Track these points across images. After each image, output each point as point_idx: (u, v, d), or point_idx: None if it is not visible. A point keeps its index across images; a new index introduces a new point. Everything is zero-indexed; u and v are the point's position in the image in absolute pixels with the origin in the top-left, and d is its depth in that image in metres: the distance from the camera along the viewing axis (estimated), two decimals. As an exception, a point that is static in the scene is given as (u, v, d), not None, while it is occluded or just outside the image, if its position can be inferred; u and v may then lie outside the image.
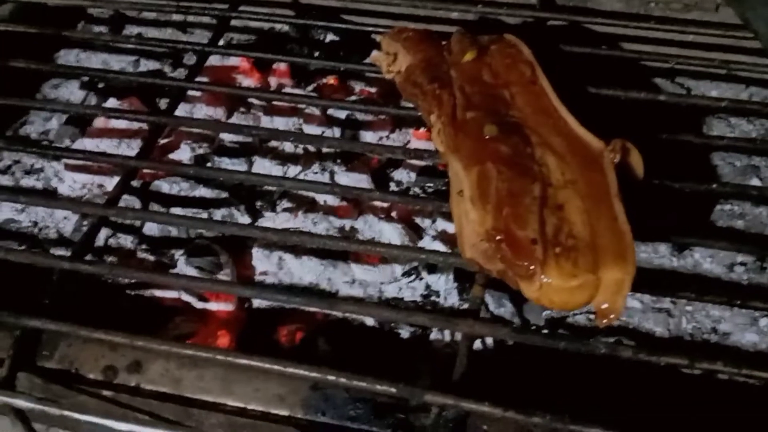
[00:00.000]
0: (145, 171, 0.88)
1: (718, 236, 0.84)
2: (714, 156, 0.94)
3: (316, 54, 1.08)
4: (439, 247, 0.84)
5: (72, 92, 1.10)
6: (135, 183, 0.88)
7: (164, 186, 0.89)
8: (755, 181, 0.91)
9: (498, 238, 0.64)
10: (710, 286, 0.82)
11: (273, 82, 1.06)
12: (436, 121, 0.77)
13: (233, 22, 1.03)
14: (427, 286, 0.82)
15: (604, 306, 0.63)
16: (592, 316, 0.80)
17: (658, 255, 0.86)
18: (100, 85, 1.07)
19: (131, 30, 1.19)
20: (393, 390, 0.61)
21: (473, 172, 0.69)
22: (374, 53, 0.89)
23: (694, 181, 0.75)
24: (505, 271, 0.64)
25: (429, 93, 0.79)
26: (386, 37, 0.88)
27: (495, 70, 0.80)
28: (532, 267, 0.62)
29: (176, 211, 0.87)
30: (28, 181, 0.98)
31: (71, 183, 0.96)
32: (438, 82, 0.79)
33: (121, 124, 0.97)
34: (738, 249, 0.78)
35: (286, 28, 1.13)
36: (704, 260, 0.84)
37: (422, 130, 0.96)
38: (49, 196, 0.91)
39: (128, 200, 0.87)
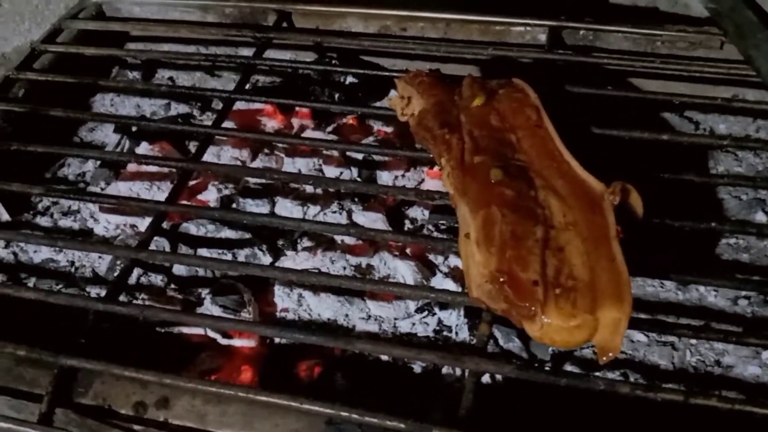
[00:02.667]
0: (174, 213, 0.93)
1: (720, 272, 0.87)
2: (720, 189, 0.97)
3: (337, 96, 1.13)
4: (450, 284, 0.88)
5: (107, 135, 1.16)
6: (165, 225, 0.93)
7: (192, 228, 0.94)
8: (760, 216, 0.93)
9: (501, 279, 0.67)
10: (715, 318, 0.85)
11: (296, 122, 1.11)
12: (445, 165, 0.81)
13: (258, 66, 1.08)
14: (440, 322, 0.86)
15: (603, 344, 0.67)
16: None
17: (665, 289, 0.89)
18: (134, 128, 1.13)
19: (163, 74, 1.26)
20: (402, 426, 0.64)
21: (479, 216, 0.73)
22: (391, 96, 0.93)
23: (694, 220, 0.78)
24: (509, 311, 0.68)
25: (439, 137, 0.83)
26: (402, 81, 0.92)
27: (502, 114, 0.84)
28: (533, 308, 0.65)
29: (203, 251, 0.92)
30: (65, 222, 1.04)
31: (105, 224, 1.02)
32: (448, 126, 0.84)
33: (152, 167, 1.03)
34: (737, 287, 0.81)
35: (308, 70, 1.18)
36: (708, 294, 0.87)
37: (436, 168, 1.00)
38: (84, 240, 0.97)
39: (158, 242, 0.92)
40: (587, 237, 0.70)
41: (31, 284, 0.96)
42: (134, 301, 0.91)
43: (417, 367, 0.83)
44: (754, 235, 0.88)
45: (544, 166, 0.78)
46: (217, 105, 1.16)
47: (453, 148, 0.81)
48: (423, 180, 1.01)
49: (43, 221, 1.05)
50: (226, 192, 1.01)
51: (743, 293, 0.86)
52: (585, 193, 0.75)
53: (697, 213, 0.89)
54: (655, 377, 0.82)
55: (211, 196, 1.01)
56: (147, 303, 0.90)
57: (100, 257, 0.98)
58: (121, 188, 1.03)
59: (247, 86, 1.09)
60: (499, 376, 0.80)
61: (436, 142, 0.83)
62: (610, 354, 0.66)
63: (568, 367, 0.83)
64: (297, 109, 1.11)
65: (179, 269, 0.91)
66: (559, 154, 0.79)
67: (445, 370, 0.82)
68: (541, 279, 0.67)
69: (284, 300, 0.88)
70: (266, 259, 0.92)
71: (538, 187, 0.76)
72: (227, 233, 0.93)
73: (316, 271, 0.90)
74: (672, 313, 0.87)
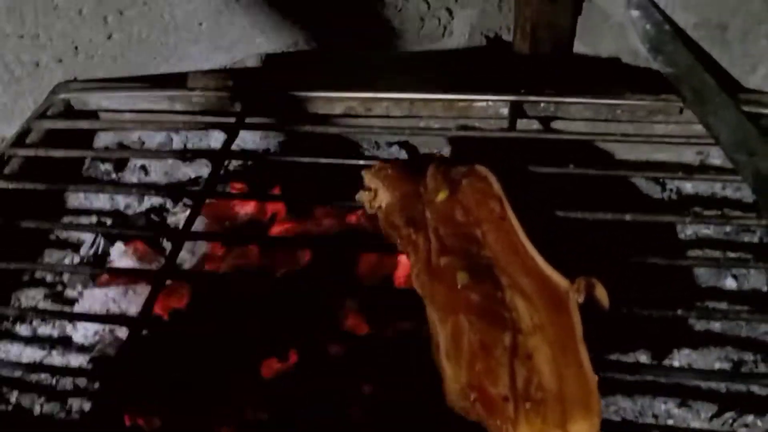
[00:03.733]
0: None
1: (690, 353, 0.88)
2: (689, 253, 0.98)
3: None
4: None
5: (81, 232, 1.17)
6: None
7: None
8: (730, 281, 0.94)
9: (473, 397, 0.68)
10: (690, 396, 0.85)
11: (270, 207, 1.12)
12: (413, 265, 0.82)
13: (227, 159, 1.10)
14: None
15: (575, 455, 0.68)
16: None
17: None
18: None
19: (135, 162, 1.26)
20: None
21: (447, 326, 0.73)
22: (360, 192, 0.93)
23: (662, 307, 0.79)
24: (482, 422, 0.69)
25: (405, 237, 0.84)
26: (368, 173, 0.93)
27: (467, 207, 0.85)
28: (505, 426, 0.66)
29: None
30: (44, 330, 1.04)
31: (84, 331, 1.02)
32: (413, 225, 0.84)
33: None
34: (705, 378, 0.83)
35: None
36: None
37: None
38: (64, 369, 0.98)
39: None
40: (554, 341, 0.71)
41: (13, 399, 0.97)
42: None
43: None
44: (720, 320, 0.89)
45: (509, 262, 0.79)
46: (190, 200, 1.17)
47: (419, 248, 0.82)
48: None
49: (23, 330, 1.05)
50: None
51: (716, 367, 0.87)
52: (550, 292, 0.76)
53: (666, 288, 0.91)
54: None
55: (186, 300, 1.01)
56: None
57: (80, 367, 0.99)
58: (97, 294, 1.04)
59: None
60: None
61: (402, 242, 0.84)
62: (581, 464, 0.68)
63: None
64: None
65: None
66: (523, 249, 0.80)
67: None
68: (511, 393, 0.67)
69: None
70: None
71: (504, 286, 0.76)
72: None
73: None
74: (649, 391, 0.87)
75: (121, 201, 1.20)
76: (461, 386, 0.69)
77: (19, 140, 1.13)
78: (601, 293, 0.76)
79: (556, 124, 1.08)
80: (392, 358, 0.86)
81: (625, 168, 1.07)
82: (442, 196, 0.86)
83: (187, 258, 1.04)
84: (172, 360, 0.92)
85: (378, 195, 0.92)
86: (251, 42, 1.31)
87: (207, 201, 1.03)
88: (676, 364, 0.88)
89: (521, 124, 1.04)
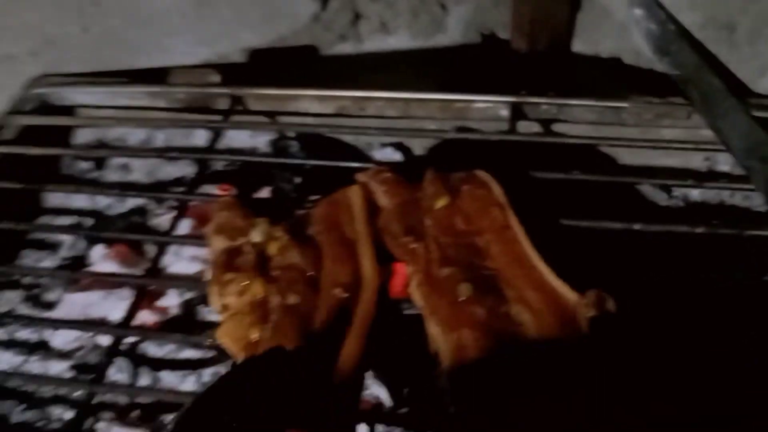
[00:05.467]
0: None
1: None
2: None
3: (297, 180, 1.10)
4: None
5: (61, 234, 1.11)
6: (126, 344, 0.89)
7: (151, 348, 0.90)
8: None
9: (477, 417, 0.64)
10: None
11: (256, 209, 1.07)
12: (413, 276, 0.78)
13: (212, 159, 1.05)
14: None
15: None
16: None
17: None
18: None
19: (115, 161, 1.21)
20: None
21: (450, 341, 0.70)
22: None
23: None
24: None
25: (403, 246, 0.79)
26: (364, 176, 0.89)
27: (467, 215, 0.81)
28: (511, 449, 0.63)
29: (165, 373, 0.88)
30: (22, 334, 0.99)
31: (65, 336, 0.97)
32: (413, 233, 0.80)
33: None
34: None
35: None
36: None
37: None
38: (39, 377, 0.92)
39: (119, 363, 0.88)
40: (563, 359, 0.68)
41: (-11, 405, 0.92)
42: (97, 424, 0.87)
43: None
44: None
45: (515, 274, 0.75)
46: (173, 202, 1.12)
47: (419, 259, 0.77)
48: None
49: (0, 333, 1.00)
50: (188, 296, 0.97)
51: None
52: (558, 306, 0.72)
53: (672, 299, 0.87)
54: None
55: (171, 301, 0.97)
56: (114, 425, 0.86)
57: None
58: (77, 299, 0.99)
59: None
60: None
61: (400, 251, 0.80)
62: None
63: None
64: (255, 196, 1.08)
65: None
66: (528, 260, 0.76)
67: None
68: (519, 414, 0.64)
69: (253, 420, 0.84)
70: (232, 376, 0.88)
71: (509, 300, 0.73)
72: (190, 352, 0.89)
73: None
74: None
75: (102, 201, 1.15)
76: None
77: (-6, 136, 1.08)
78: (612, 308, 0.72)
79: (558, 128, 1.04)
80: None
81: (632, 174, 1.02)
82: (441, 203, 0.82)
83: (171, 261, 0.99)
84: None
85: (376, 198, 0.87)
86: (236, 36, 1.26)
87: (192, 203, 0.99)
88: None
89: (521, 126, 0.99)
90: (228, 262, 0.78)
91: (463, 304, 0.72)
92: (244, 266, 0.77)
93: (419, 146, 1.16)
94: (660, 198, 1.04)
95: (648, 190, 1.05)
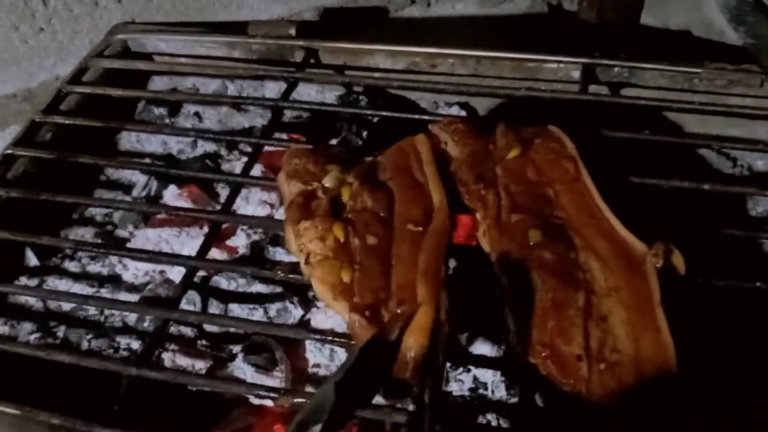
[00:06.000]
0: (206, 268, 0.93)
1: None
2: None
3: (365, 133, 1.12)
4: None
5: (133, 173, 1.15)
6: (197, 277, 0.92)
7: (222, 282, 0.93)
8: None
9: (543, 354, 0.66)
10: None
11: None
12: (481, 222, 0.79)
13: (286, 108, 1.07)
14: (475, 379, 0.84)
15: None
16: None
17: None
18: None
19: (189, 109, 1.24)
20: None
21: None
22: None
23: (738, 279, 0.75)
24: (551, 381, 0.66)
25: (474, 193, 0.81)
26: (437, 126, 0.90)
27: (539, 166, 0.82)
28: (577, 386, 0.64)
29: (234, 306, 0.91)
30: (94, 268, 1.03)
31: (134, 270, 1.01)
32: (483, 181, 0.81)
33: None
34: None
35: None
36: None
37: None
38: (116, 300, 0.96)
39: (190, 295, 0.91)
40: (630, 305, 0.69)
41: (61, 333, 0.96)
42: (165, 354, 0.90)
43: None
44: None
45: (584, 224, 0.76)
46: (246, 147, 1.14)
47: (489, 205, 0.79)
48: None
49: (72, 266, 1.04)
50: (255, 237, 1.00)
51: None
52: (626, 255, 0.73)
53: (739, 262, 0.87)
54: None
55: (240, 242, 1.00)
56: (180, 356, 0.89)
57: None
58: (149, 235, 1.02)
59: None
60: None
61: (471, 197, 0.81)
62: (657, 429, 0.65)
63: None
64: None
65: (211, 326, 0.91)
66: (598, 211, 0.77)
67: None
68: (584, 353, 0.65)
69: (316, 355, 0.87)
70: (297, 312, 0.91)
71: (578, 247, 0.74)
72: (258, 287, 0.92)
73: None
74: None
75: (174, 146, 1.18)
76: (532, 343, 0.67)
77: (76, 77, 1.12)
78: (678, 260, 0.73)
79: (627, 92, 1.04)
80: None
81: (701, 139, 1.02)
82: (513, 153, 0.83)
83: (241, 204, 1.02)
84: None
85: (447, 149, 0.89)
86: (310, -6, 1.30)
87: (265, 149, 1.02)
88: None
89: (592, 90, 1.00)
90: (303, 204, 0.80)
91: (532, 248, 0.73)
92: (319, 211, 0.79)
93: (484, 107, 1.17)
94: (724, 166, 1.04)
95: (713, 158, 1.05)
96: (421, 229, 0.75)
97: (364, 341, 0.64)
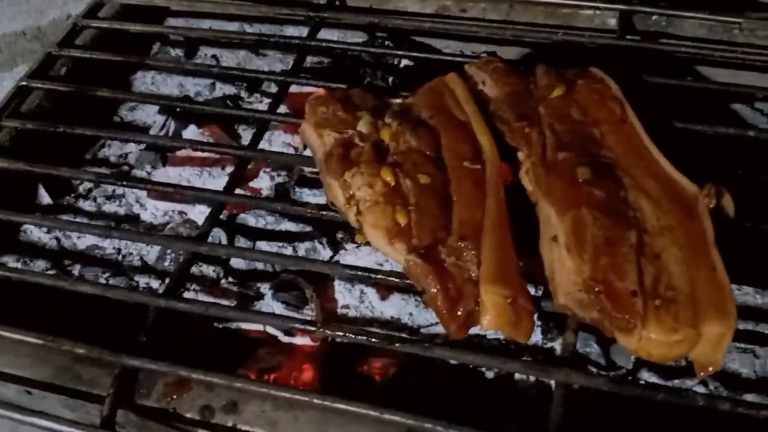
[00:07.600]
0: (233, 204, 0.89)
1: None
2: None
3: (390, 79, 1.09)
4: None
5: (149, 115, 1.11)
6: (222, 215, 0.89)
7: (250, 219, 0.90)
8: None
9: (597, 289, 0.63)
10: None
11: (348, 106, 1.06)
12: (524, 160, 0.77)
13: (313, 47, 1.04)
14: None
15: (703, 359, 0.63)
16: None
17: (742, 292, 0.85)
18: (178, 109, 1.09)
19: (205, 51, 1.21)
20: (492, 441, 0.61)
21: (568, 218, 0.69)
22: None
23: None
24: (601, 321, 0.64)
25: (517, 131, 0.78)
26: (473, 67, 0.88)
27: (583, 106, 0.80)
28: (632, 321, 0.62)
29: (261, 244, 0.88)
30: (110, 207, 1.00)
31: (153, 210, 0.98)
32: (526, 119, 0.79)
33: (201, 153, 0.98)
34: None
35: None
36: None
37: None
38: (141, 232, 0.93)
39: (216, 233, 0.88)
40: (684, 243, 0.67)
41: (76, 272, 0.93)
42: (186, 294, 0.87)
43: (489, 373, 0.79)
44: None
45: (632, 164, 0.74)
46: (266, 87, 1.11)
47: (533, 143, 0.76)
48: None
49: (86, 205, 1.00)
50: (279, 179, 0.97)
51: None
52: (677, 196, 0.71)
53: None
54: (736, 386, 0.78)
55: (264, 183, 0.97)
56: (202, 296, 0.87)
57: (148, 245, 0.94)
58: (170, 173, 0.99)
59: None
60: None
61: (513, 135, 0.79)
62: (710, 369, 0.63)
63: (645, 374, 0.80)
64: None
65: (237, 261, 0.88)
66: (647, 152, 0.75)
67: (518, 376, 0.78)
68: (639, 289, 0.63)
69: (345, 296, 0.85)
70: (326, 253, 0.88)
71: (627, 187, 0.72)
72: (286, 225, 0.89)
73: (379, 266, 0.86)
74: (751, 319, 0.83)
75: (192, 87, 1.14)
76: (583, 279, 0.64)
77: (92, 13, 1.08)
78: (728, 203, 0.71)
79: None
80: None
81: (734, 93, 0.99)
82: (557, 92, 0.81)
83: (264, 147, 0.99)
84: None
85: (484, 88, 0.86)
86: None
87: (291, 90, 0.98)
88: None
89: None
90: (344, 154, 0.77)
91: (581, 185, 0.71)
92: (362, 157, 0.76)
93: (514, 56, 1.14)
94: (760, 121, 1.02)
95: (747, 112, 1.03)
96: (479, 166, 0.72)
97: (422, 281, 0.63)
